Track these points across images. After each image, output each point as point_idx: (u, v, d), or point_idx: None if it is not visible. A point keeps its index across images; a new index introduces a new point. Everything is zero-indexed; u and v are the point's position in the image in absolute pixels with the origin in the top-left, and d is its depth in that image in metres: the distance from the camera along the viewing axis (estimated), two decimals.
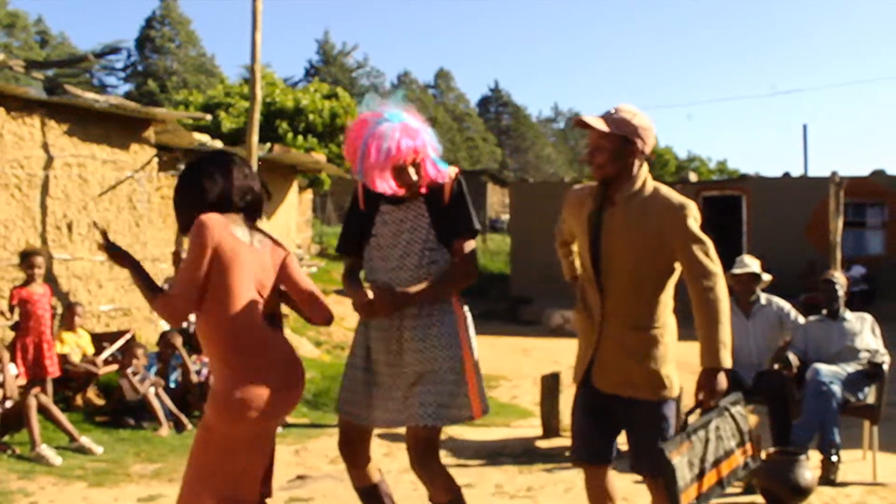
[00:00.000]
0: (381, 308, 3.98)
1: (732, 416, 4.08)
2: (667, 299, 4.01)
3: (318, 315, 3.96)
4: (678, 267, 3.96)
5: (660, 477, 3.91)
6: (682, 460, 3.84)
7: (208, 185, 3.72)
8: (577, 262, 4.41)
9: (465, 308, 4.26)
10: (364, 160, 3.95)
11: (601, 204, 4.02)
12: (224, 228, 3.61)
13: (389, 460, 7.74)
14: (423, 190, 4.12)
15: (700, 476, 3.89)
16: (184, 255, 3.51)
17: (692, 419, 4.00)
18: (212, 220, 3.59)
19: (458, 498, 4.19)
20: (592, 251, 4.03)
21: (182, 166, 12.14)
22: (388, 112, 4.05)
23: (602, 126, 3.91)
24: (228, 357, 3.63)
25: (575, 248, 4.41)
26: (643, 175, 3.99)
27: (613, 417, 4.07)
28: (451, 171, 4.20)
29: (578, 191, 4.22)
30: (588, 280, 4.10)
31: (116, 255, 3.79)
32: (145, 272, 3.69)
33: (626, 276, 3.95)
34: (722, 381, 3.84)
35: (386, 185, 3.97)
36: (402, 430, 4.25)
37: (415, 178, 4.05)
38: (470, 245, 4.19)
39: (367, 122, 4.03)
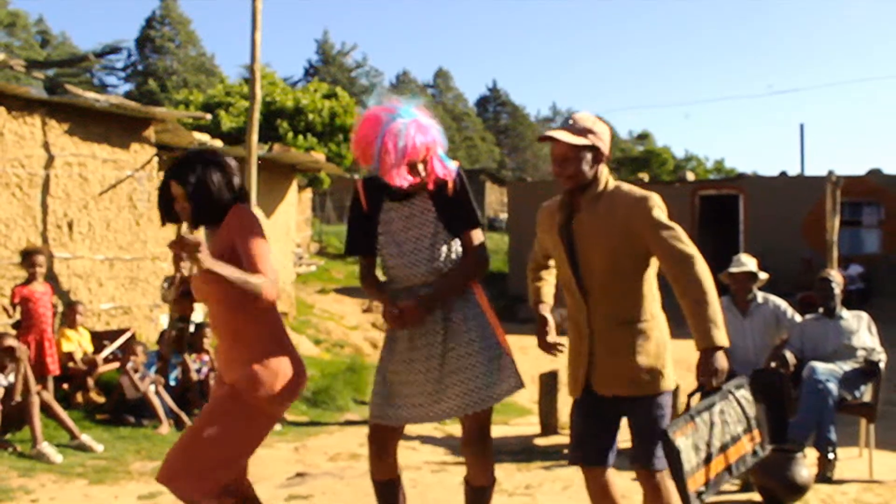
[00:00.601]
0: (411, 319, 4.07)
1: (738, 401, 4.05)
2: (650, 292, 4.02)
3: None
4: (654, 259, 3.98)
5: (648, 468, 3.93)
6: (686, 442, 3.82)
7: (236, 180, 3.93)
8: (546, 289, 4.48)
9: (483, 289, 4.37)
10: (381, 158, 3.98)
11: (570, 212, 4.07)
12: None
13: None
14: (431, 186, 4.18)
15: (707, 461, 3.88)
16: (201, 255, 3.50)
17: (694, 401, 4.02)
18: (252, 209, 3.86)
19: (492, 485, 4.40)
20: (570, 258, 4.05)
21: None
22: (399, 107, 4.08)
23: (570, 139, 3.94)
24: (272, 338, 3.87)
25: (545, 274, 4.49)
26: (605, 176, 4.04)
27: (613, 419, 4.07)
28: (453, 165, 4.25)
29: (547, 206, 4.26)
30: (570, 288, 4.11)
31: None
32: (232, 267, 3.63)
33: (605, 274, 3.96)
34: (721, 359, 3.79)
35: (403, 179, 4.01)
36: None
37: (423, 174, 4.10)
38: (478, 236, 4.29)
39: (380, 119, 4.05)
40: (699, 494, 3.81)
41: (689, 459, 3.80)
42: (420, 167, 4.08)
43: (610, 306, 3.98)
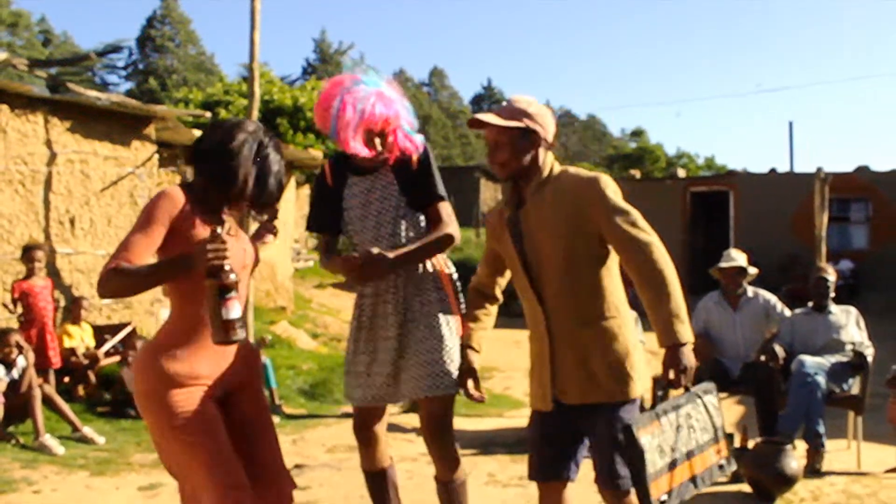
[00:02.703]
0: (372, 271, 3.90)
1: (705, 406, 3.68)
2: (612, 286, 3.66)
3: None
4: (612, 247, 3.62)
5: (613, 489, 3.60)
6: (651, 442, 3.43)
7: None
8: (478, 334, 4.08)
9: (458, 292, 4.25)
10: (338, 119, 3.87)
11: (515, 206, 3.75)
12: None
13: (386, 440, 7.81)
14: (391, 160, 4.07)
15: (672, 467, 3.49)
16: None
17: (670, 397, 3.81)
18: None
19: (462, 478, 4.24)
20: (519, 255, 3.72)
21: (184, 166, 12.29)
22: (365, 77, 3.98)
23: (497, 121, 3.64)
24: None
25: (482, 313, 4.12)
26: (549, 163, 3.71)
27: (577, 429, 3.70)
28: (419, 139, 4.15)
29: (492, 210, 3.97)
30: (525, 293, 3.76)
31: None
32: None
33: (559, 270, 3.59)
34: (689, 356, 3.41)
35: (358, 146, 3.90)
36: (396, 420, 4.29)
37: (379, 147, 3.99)
38: (446, 208, 4.15)
39: (342, 82, 3.96)
40: (661, 503, 3.43)
41: (654, 461, 3.42)
42: (377, 140, 3.97)
43: (568, 304, 3.61)
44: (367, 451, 4.25)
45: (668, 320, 3.40)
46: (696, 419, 3.63)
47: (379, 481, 4.30)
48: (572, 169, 3.74)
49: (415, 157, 4.10)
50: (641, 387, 3.66)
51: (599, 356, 3.57)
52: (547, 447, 3.76)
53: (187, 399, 3.25)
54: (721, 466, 3.72)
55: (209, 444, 3.24)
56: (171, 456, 3.33)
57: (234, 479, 3.25)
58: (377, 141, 3.96)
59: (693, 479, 3.58)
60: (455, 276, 4.31)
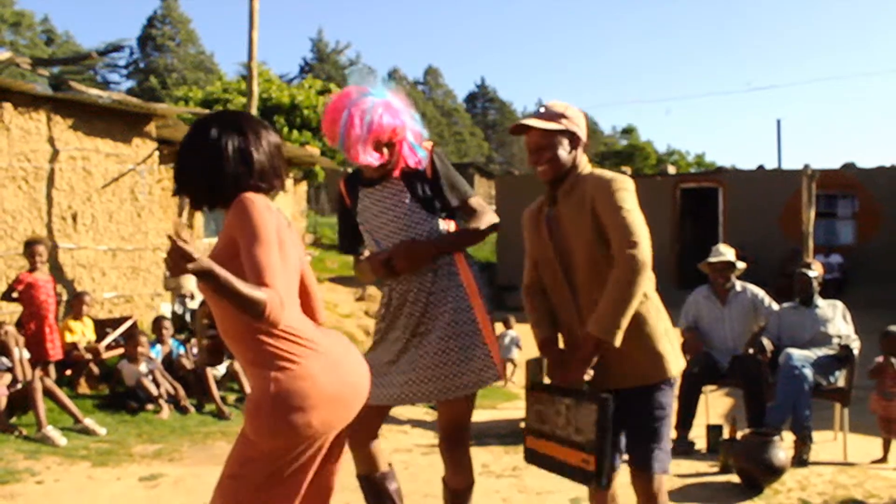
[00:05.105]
0: (401, 263, 3.85)
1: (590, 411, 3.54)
2: None
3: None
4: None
5: (646, 471, 3.61)
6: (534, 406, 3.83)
7: (255, 155, 3.07)
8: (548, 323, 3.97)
9: (473, 273, 4.08)
10: (346, 136, 3.80)
11: (552, 206, 3.84)
12: (271, 209, 2.95)
13: (381, 441, 7.89)
14: (396, 173, 3.99)
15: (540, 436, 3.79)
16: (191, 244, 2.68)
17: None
18: (261, 200, 2.92)
19: (470, 489, 4.13)
20: (554, 249, 3.79)
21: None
22: (373, 88, 3.91)
23: (543, 124, 3.72)
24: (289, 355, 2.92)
25: (544, 311, 3.98)
26: (583, 164, 3.81)
27: (616, 417, 3.57)
28: (427, 145, 4.08)
29: (530, 208, 4.01)
30: (559, 290, 3.81)
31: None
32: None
33: (587, 266, 3.65)
34: (596, 354, 3.54)
35: (368, 157, 3.83)
36: (392, 412, 4.18)
37: (387, 157, 3.92)
38: (477, 200, 4.11)
39: (350, 95, 3.89)
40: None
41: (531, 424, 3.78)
42: (385, 149, 3.89)
43: (597, 295, 3.57)
44: (364, 455, 4.02)
45: (606, 314, 3.49)
46: (573, 415, 3.62)
47: (378, 487, 4.04)
48: (599, 171, 3.78)
49: (424, 167, 4.02)
50: (675, 367, 3.70)
51: (632, 340, 3.55)
52: None
53: None
54: (585, 474, 3.56)
55: None
56: None
57: None
58: (385, 150, 3.90)
59: (559, 463, 3.70)
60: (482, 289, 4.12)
